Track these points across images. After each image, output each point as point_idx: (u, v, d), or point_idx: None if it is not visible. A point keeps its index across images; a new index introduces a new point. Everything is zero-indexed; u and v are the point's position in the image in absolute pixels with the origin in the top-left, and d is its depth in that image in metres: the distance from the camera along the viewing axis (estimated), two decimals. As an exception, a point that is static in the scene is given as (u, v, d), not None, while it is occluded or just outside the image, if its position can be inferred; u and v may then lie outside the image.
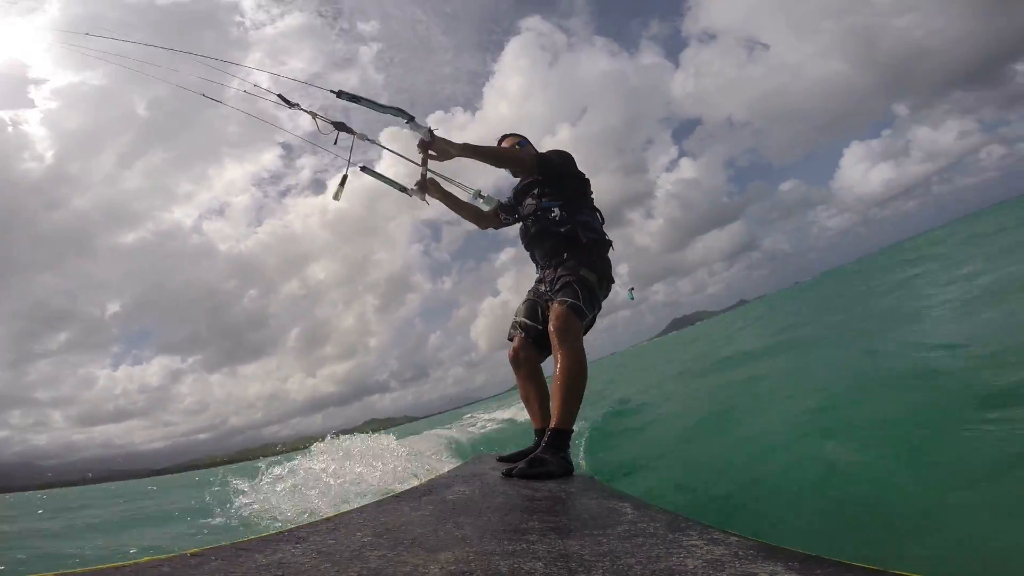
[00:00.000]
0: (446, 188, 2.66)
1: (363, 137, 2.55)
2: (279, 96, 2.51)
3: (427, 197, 2.62)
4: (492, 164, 2.48)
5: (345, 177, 2.52)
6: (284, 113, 2.58)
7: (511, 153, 2.71)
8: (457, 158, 2.43)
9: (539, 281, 2.60)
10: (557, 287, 2.35)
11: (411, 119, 2.33)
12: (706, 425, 3.72)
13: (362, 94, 2.37)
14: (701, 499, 2.34)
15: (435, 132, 2.34)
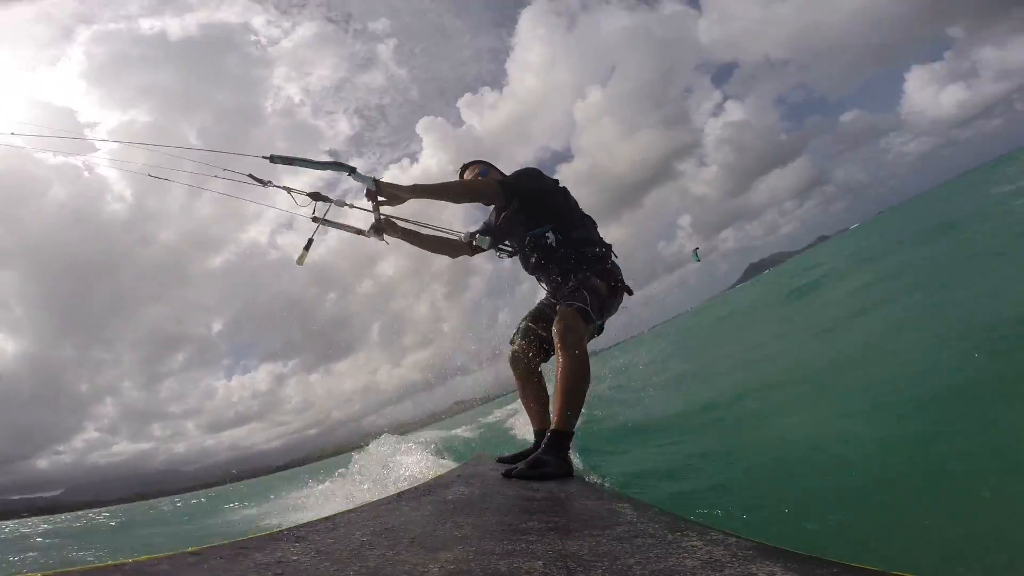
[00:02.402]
0: (404, 227, 2.56)
1: (340, 203, 2.52)
2: (250, 176, 2.45)
3: (385, 237, 2.54)
4: (449, 200, 2.40)
5: (311, 241, 2.51)
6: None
7: (468, 186, 2.62)
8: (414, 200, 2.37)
9: (551, 296, 2.58)
10: (565, 293, 2.34)
11: (352, 171, 2.31)
12: (710, 419, 3.71)
13: (296, 155, 2.34)
14: (700, 500, 2.34)
15: (379, 180, 2.31)
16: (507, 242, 2.73)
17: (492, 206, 2.73)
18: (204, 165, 2.55)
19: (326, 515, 1.23)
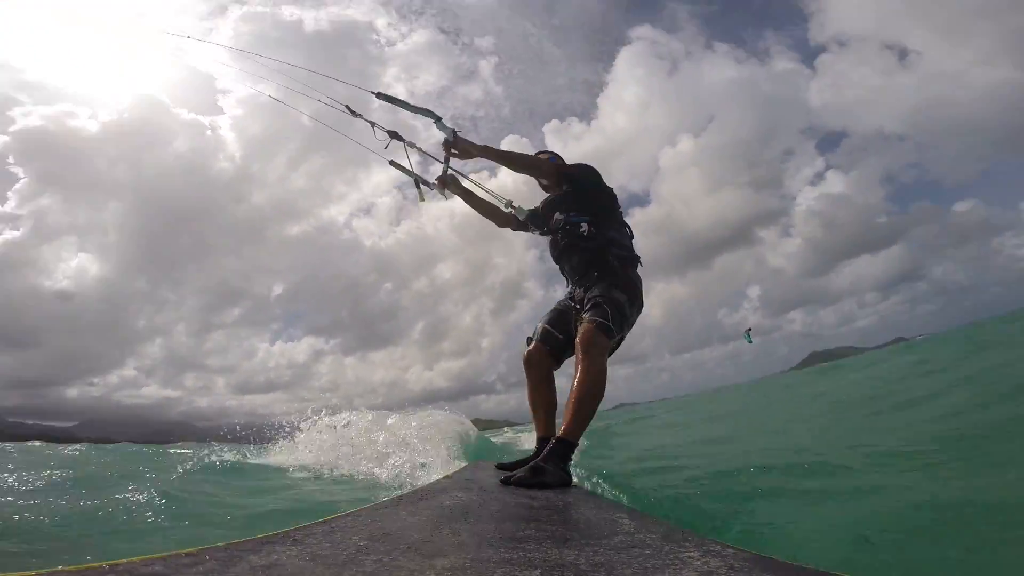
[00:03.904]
0: (467, 186, 2.84)
1: (412, 145, 2.85)
2: (346, 107, 2.90)
3: (447, 192, 2.84)
4: (510, 167, 2.55)
5: (418, 181, 2.89)
6: (351, 119, 3.00)
7: (529, 159, 2.76)
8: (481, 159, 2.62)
9: (569, 296, 2.60)
10: (588, 306, 2.35)
11: (438, 119, 2.60)
12: (707, 434, 3.69)
13: (400, 96, 2.74)
14: (698, 510, 2.33)
15: (458, 133, 2.56)
16: (544, 223, 2.80)
17: (548, 192, 2.88)
18: (315, 91, 3.05)
19: (323, 519, 1.23)
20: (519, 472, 1.96)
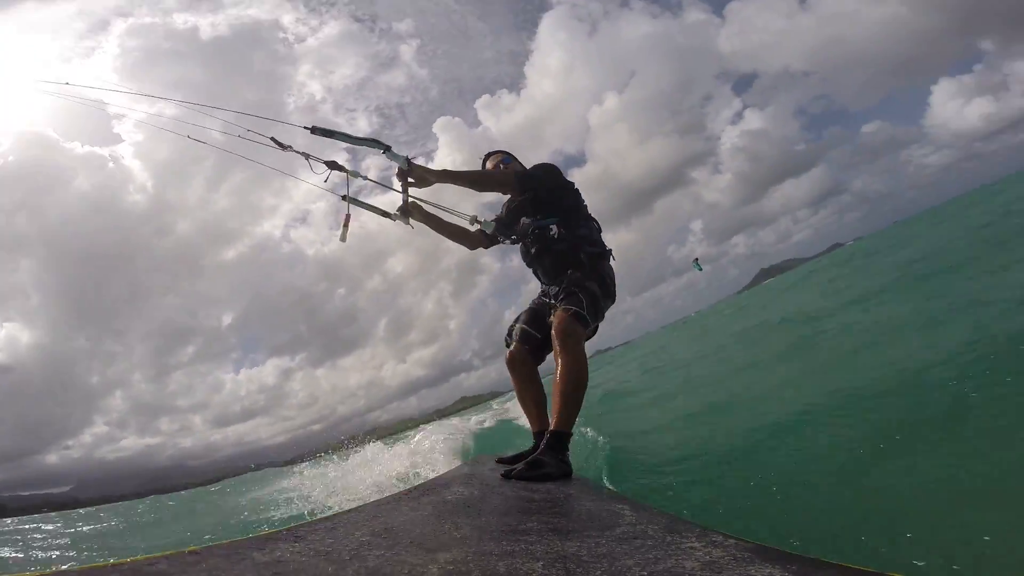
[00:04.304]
0: (431, 212, 2.66)
1: (355, 174, 2.61)
2: (272, 139, 2.56)
3: (411, 221, 2.64)
4: (472, 188, 2.47)
5: (348, 216, 2.64)
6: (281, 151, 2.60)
7: (490, 176, 2.70)
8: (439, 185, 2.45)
9: (543, 294, 2.61)
10: (561, 296, 2.36)
11: (387, 149, 2.38)
12: (707, 418, 3.71)
13: (336, 128, 2.46)
14: (700, 500, 2.34)
15: (412, 160, 2.39)
16: (511, 231, 2.76)
17: (507, 196, 2.79)
18: (239, 128, 2.66)
19: (325, 515, 1.23)
20: (519, 466, 1.97)
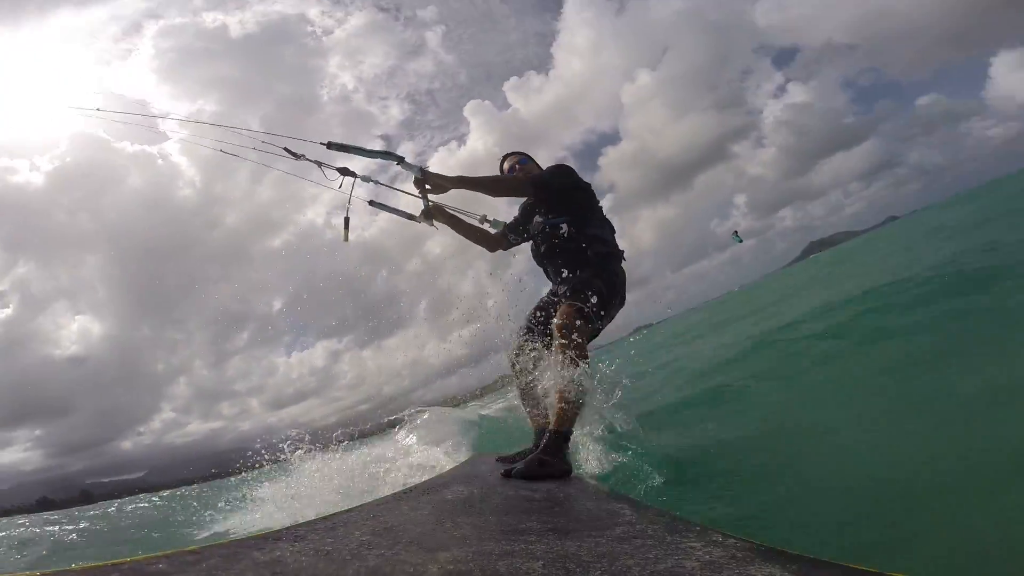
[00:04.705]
0: (451, 213, 2.78)
1: (366, 179, 2.71)
2: (285, 149, 2.71)
3: (434, 223, 2.76)
4: (487, 193, 2.51)
5: (348, 219, 2.73)
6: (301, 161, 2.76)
7: (505, 181, 2.74)
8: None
9: (552, 292, 2.61)
10: (568, 293, 2.36)
11: (401, 160, 2.49)
12: (705, 415, 3.69)
13: (351, 143, 2.57)
14: (700, 500, 2.34)
15: (426, 169, 2.47)
16: (525, 231, 2.80)
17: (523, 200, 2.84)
18: (260, 143, 2.83)
19: (325, 515, 1.23)
20: (519, 465, 1.97)
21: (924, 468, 1.88)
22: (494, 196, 2.57)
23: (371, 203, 2.80)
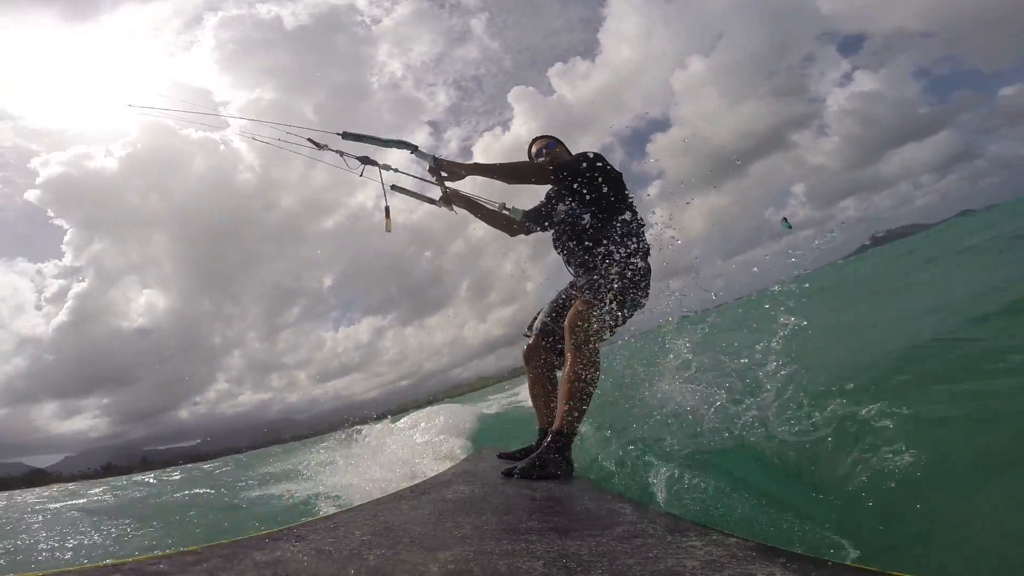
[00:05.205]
0: (469, 199, 2.81)
1: (386, 167, 2.76)
2: (308, 140, 2.81)
3: (454, 208, 2.82)
4: (503, 180, 2.46)
5: (388, 208, 2.80)
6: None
7: (521, 167, 2.61)
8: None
9: (571, 285, 2.53)
10: (583, 287, 2.28)
11: (414, 148, 2.55)
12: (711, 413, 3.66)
13: (366, 132, 2.67)
14: (700, 500, 2.33)
15: (439, 157, 2.52)
16: (549, 219, 2.73)
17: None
18: (287, 134, 2.94)
19: (325, 515, 1.23)
20: (520, 464, 1.96)
21: (927, 467, 1.88)
22: (511, 183, 2.53)
23: (393, 187, 2.86)
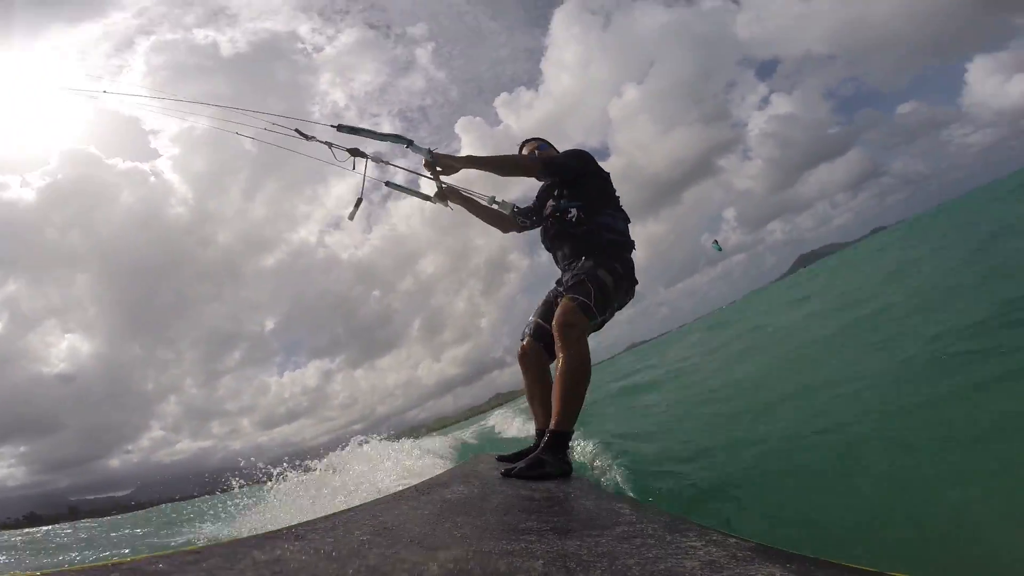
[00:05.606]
0: (464, 195, 2.82)
1: (376, 159, 2.74)
2: (296, 131, 2.75)
3: (449, 204, 2.80)
4: (497, 173, 2.50)
5: (360, 200, 2.80)
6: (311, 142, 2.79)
7: (514, 160, 2.70)
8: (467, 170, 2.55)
9: (557, 283, 2.57)
10: (569, 284, 2.31)
11: (410, 143, 2.53)
12: (708, 416, 3.68)
13: (363, 125, 2.64)
14: (700, 499, 2.34)
15: (434, 151, 2.50)
16: (538, 215, 2.78)
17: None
18: (271, 125, 2.86)
19: (325, 515, 1.23)
20: (519, 464, 1.96)
21: (928, 467, 1.88)
22: (504, 176, 2.56)
23: (387, 184, 2.85)
